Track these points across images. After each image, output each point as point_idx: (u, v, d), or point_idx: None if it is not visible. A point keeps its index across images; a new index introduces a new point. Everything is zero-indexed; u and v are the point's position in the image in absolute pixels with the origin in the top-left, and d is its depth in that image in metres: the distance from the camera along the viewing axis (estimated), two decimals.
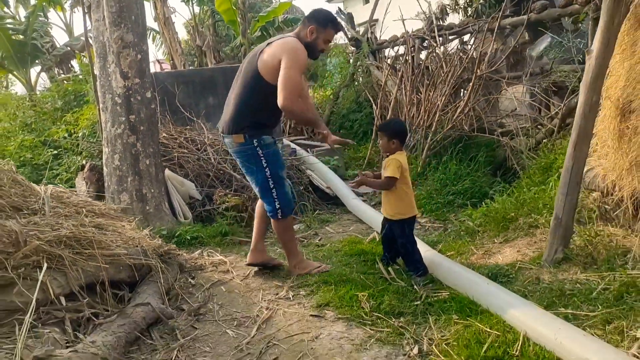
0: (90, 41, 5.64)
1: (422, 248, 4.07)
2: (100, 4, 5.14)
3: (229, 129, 3.74)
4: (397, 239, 3.78)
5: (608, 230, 3.63)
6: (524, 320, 2.77)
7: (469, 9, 11.22)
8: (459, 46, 7.29)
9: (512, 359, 2.60)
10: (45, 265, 2.79)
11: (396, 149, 3.67)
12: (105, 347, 2.66)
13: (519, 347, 2.65)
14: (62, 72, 13.54)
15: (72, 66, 13.83)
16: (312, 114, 3.96)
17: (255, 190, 3.88)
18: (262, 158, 3.70)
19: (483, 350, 2.67)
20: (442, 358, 2.72)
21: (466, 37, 7.70)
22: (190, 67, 10.39)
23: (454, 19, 11.24)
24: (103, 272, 3.29)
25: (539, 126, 5.92)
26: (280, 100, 3.46)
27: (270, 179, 3.73)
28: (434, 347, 2.86)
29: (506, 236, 4.23)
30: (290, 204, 3.86)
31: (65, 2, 14.32)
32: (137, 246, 3.71)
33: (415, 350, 2.86)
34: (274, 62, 3.54)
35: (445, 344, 2.85)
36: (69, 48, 13.37)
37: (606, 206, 3.73)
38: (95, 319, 3.09)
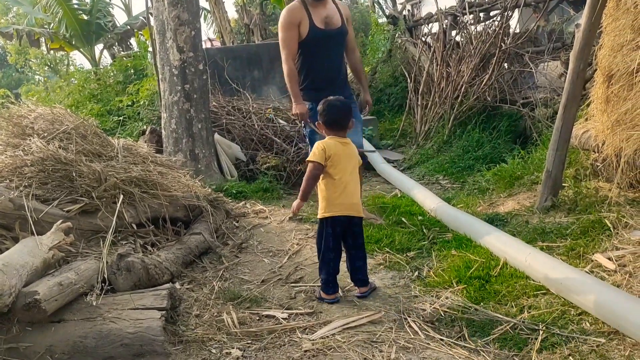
0: (151, 20, 6.39)
1: (434, 201, 4.67)
2: None
3: None
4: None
5: (596, 184, 4.13)
6: (504, 249, 3.36)
7: None
8: (486, 23, 7.70)
9: (492, 278, 3.19)
10: (122, 196, 3.54)
11: (326, 133, 3.17)
12: (167, 260, 3.41)
13: (498, 270, 3.24)
14: (121, 49, 14.59)
15: (130, 44, 14.86)
16: (292, 82, 4.18)
17: None
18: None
19: (470, 273, 3.28)
20: (436, 279, 3.35)
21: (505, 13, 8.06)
22: (234, 45, 11.13)
23: None
24: (164, 209, 4.04)
25: (557, 97, 6.33)
26: None
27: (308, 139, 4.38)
28: (431, 272, 3.48)
29: (511, 192, 4.77)
30: None
31: None
32: (191, 191, 4.45)
33: (416, 275, 3.50)
34: None
35: (440, 270, 3.47)
36: (128, 27, 14.36)
37: (597, 163, 4.22)
38: (158, 244, 3.86)
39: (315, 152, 3.06)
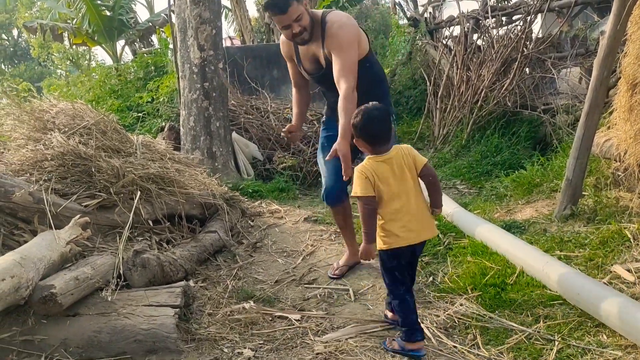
0: (173, 18, 6.43)
1: (451, 205, 4.63)
2: None
3: None
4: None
5: (617, 193, 4.06)
6: (522, 257, 3.31)
7: None
8: (509, 27, 7.62)
9: (507, 286, 3.16)
10: (139, 193, 3.56)
11: (366, 151, 2.62)
12: (181, 257, 3.42)
13: (514, 278, 3.21)
14: (142, 46, 14.71)
15: (151, 40, 14.98)
16: (293, 107, 3.77)
17: None
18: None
19: (485, 280, 3.25)
20: (450, 285, 3.32)
21: (528, 17, 7.98)
22: (254, 44, 11.17)
23: None
24: (180, 206, 4.06)
25: (579, 103, 6.25)
26: None
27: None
28: (446, 278, 3.45)
29: (529, 199, 4.72)
30: (324, 194, 3.55)
31: None
32: (207, 189, 4.46)
33: (430, 280, 3.48)
34: None
35: (455, 276, 3.44)
36: (150, 24, 14.50)
37: (618, 172, 4.15)
38: (173, 241, 3.88)
39: (358, 184, 2.53)
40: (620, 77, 4.05)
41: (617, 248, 3.21)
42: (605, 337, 2.50)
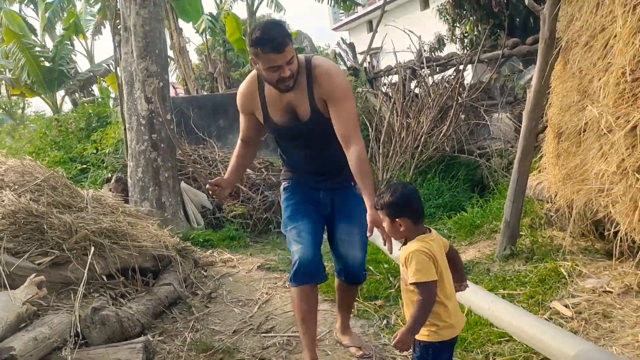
0: (119, 71, 6.48)
1: (397, 247, 4.81)
2: (129, 39, 6.00)
3: None
4: None
5: (551, 232, 4.37)
6: (468, 297, 3.50)
7: (465, 40, 12.13)
8: (443, 76, 8.10)
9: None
10: (92, 248, 3.55)
11: (410, 232, 2.25)
12: (138, 312, 3.42)
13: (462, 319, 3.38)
14: (83, 95, 14.53)
15: (92, 90, 14.83)
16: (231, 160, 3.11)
17: None
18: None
19: None
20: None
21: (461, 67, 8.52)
22: (204, 92, 11.30)
23: (451, 48, 12.16)
24: (134, 260, 4.06)
25: (511, 148, 6.68)
26: None
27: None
28: (399, 320, 3.59)
29: (472, 239, 4.97)
30: (292, 268, 2.83)
31: (87, 31, 15.42)
32: (159, 241, 4.47)
33: (384, 323, 3.61)
34: None
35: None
36: (91, 73, 14.39)
37: (551, 213, 4.47)
38: (127, 295, 3.86)
39: (422, 267, 2.12)
40: (547, 126, 4.43)
41: (554, 285, 3.46)
42: None
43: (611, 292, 3.22)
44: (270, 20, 2.80)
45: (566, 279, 3.49)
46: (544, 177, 4.63)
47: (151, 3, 5.87)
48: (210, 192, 2.82)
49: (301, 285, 2.82)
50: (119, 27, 6.37)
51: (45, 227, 3.46)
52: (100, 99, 11.68)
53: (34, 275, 3.05)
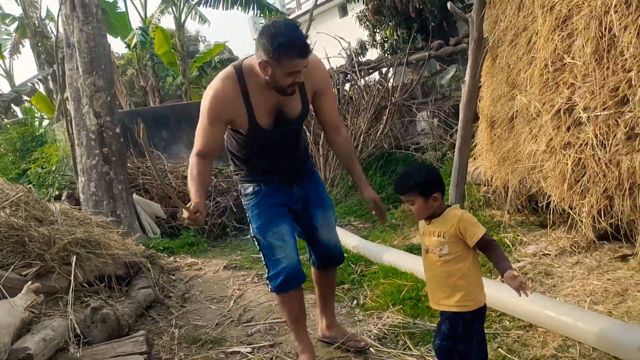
0: (67, 87, 6.46)
1: (353, 239, 5.19)
2: (74, 55, 6.05)
3: None
4: (459, 343, 2.26)
5: (490, 212, 4.89)
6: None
7: (385, 44, 12.75)
8: (376, 78, 8.62)
9: (421, 297, 3.72)
10: (74, 257, 3.68)
11: (440, 205, 2.34)
12: (124, 314, 3.58)
13: (425, 290, 3.78)
14: (6, 117, 13.97)
15: (14, 111, 14.27)
16: (191, 180, 2.64)
17: None
18: (246, 210, 2.98)
19: (402, 295, 3.79)
20: (373, 304, 3.82)
21: (384, 70, 9.07)
22: (140, 108, 11.28)
23: (373, 53, 12.76)
24: (108, 267, 4.19)
25: (443, 141, 7.26)
26: None
27: (254, 239, 2.93)
28: (368, 299, 3.95)
29: (418, 226, 5.42)
30: (279, 275, 2.84)
31: (5, 51, 14.89)
32: (128, 249, 4.61)
33: (355, 303, 3.95)
34: None
35: (375, 297, 3.95)
36: (15, 94, 13.84)
37: (488, 195, 5.00)
38: (109, 300, 3.99)
39: (479, 224, 2.31)
40: (479, 116, 4.96)
41: None
42: (507, 322, 3.13)
43: (549, 254, 3.73)
44: (287, 23, 2.56)
45: (510, 247, 3.98)
46: (480, 163, 5.16)
47: (94, 19, 5.96)
48: (187, 221, 2.49)
49: (288, 291, 2.89)
50: (48, 44, 6.40)
51: (26, 240, 3.55)
52: (23, 120, 11.38)
53: (30, 282, 3.16)
